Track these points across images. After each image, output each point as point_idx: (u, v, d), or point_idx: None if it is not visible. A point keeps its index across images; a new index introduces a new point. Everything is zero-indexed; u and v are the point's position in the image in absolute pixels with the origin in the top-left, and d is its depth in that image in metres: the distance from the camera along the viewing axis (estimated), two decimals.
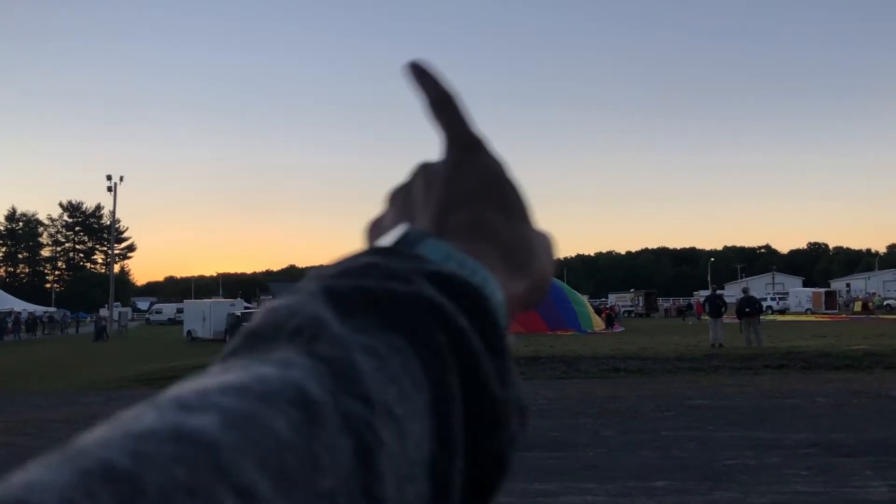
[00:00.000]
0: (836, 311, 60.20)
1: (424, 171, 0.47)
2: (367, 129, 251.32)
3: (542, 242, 0.47)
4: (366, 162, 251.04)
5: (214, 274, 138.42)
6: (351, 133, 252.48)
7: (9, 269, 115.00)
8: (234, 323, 35.80)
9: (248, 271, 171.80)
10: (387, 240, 0.39)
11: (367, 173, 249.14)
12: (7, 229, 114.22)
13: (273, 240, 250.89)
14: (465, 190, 0.45)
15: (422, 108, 0.48)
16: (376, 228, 0.48)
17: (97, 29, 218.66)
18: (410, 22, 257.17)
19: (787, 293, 70.26)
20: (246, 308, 43.94)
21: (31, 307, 63.18)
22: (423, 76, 0.48)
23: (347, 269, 0.35)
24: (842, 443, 8.19)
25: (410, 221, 0.44)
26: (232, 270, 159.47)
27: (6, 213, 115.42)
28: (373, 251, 0.37)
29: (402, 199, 0.48)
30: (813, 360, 16.43)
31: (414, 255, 0.36)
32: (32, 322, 53.03)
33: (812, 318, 51.34)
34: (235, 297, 56.51)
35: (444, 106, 0.47)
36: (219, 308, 39.83)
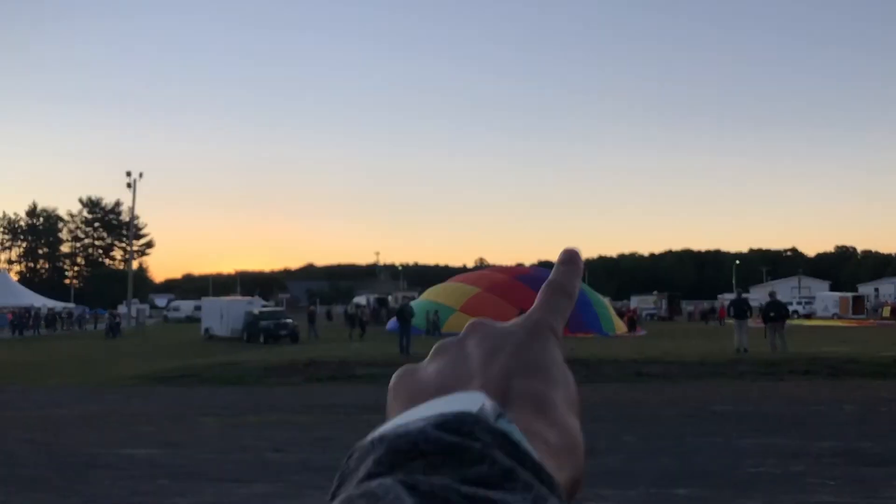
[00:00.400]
0: (864, 316, 59.50)
1: (484, 330, 0.47)
2: (387, 129, 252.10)
3: (582, 442, 0.45)
4: (385, 162, 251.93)
5: (232, 272, 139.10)
6: (371, 132, 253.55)
7: (29, 264, 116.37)
8: (251, 321, 35.91)
9: (266, 269, 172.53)
10: (454, 403, 0.38)
11: (387, 173, 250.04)
12: (28, 225, 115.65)
13: (291, 238, 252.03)
14: (538, 365, 0.45)
15: (549, 279, 0.51)
16: (413, 380, 0.46)
17: (116, 26, 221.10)
18: (421, 20, 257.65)
19: (814, 297, 69.48)
20: (263, 306, 44.06)
21: (51, 303, 63.98)
22: (572, 263, 0.51)
23: (445, 455, 0.34)
24: (869, 452, 8.00)
25: (466, 379, 0.43)
26: (250, 268, 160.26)
27: (27, 208, 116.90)
28: (460, 422, 0.35)
29: (454, 354, 0.47)
30: (840, 367, 16.15)
31: (500, 432, 0.35)
32: (52, 318, 53.62)
33: (839, 323, 50.77)
34: (253, 295, 56.74)
35: (561, 293, 0.49)
36: (236, 306, 39.86)
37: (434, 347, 0.48)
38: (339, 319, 61.59)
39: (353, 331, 35.36)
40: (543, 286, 0.49)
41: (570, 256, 0.51)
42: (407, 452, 0.34)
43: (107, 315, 47.99)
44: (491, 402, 0.38)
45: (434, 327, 33.98)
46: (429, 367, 0.46)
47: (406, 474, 0.32)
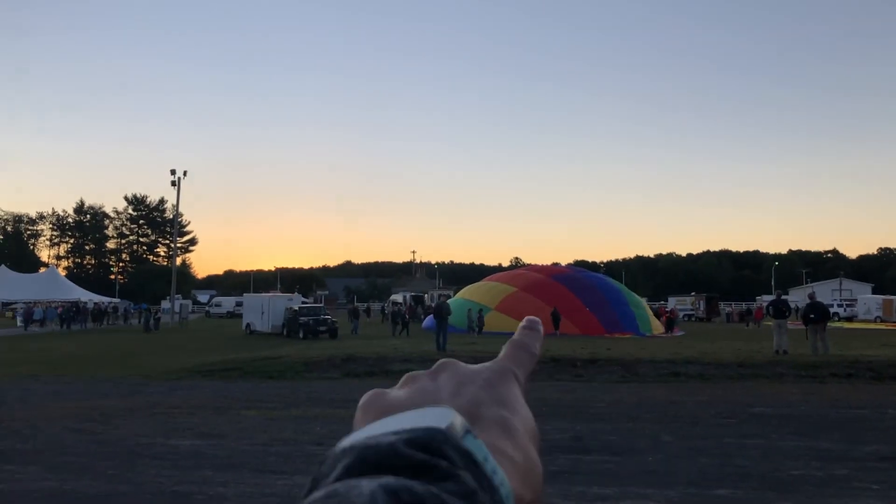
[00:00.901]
0: None
1: (455, 368, 0.52)
2: (423, 129, 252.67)
3: (541, 472, 0.48)
4: (421, 161, 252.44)
5: (273, 268, 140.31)
6: (408, 132, 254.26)
7: (76, 260, 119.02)
8: (291, 317, 36.29)
9: (306, 266, 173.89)
10: (424, 418, 0.40)
11: (423, 173, 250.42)
12: (76, 221, 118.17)
13: (330, 236, 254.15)
14: (503, 399, 0.49)
15: (512, 339, 0.58)
16: (384, 401, 0.49)
17: (159, 27, 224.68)
18: (414, 22, 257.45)
19: (856, 300, 68.01)
20: (303, 302, 44.44)
21: (97, 298, 65.23)
22: (533, 329, 0.59)
23: (414, 465, 0.36)
24: None
25: (436, 403, 0.46)
26: (290, 265, 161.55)
27: (75, 205, 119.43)
28: (430, 439, 0.37)
29: (425, 383, 0.51)
30: (883, 371, 15.87)
31: (465, 452, 0.38)
32: (98, 312, 54.70)
33: (882, 326, 49.74)
34: (293, 292, 57.39)
35: (524, 350, 0.56)
36: (277, 302, 40.36)
37: (404, 377, 0.53)
38: (375, 316, 61.95)
39: (397, 328, 35.46)
40: (507, 343, 0.56)
41: (531, 324, 0.59)
42: (376, 465, 0.35)
43: (144, 310, 48.60)
44: (460, 418, 0.40)
45: (478, 327, 34.05)
46: (399, 392, 0.50)
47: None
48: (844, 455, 7.99)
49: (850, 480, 6.91)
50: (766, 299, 57.71)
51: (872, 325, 50.32)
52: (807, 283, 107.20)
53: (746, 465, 7.57)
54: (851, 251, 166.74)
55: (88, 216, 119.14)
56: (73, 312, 50.02)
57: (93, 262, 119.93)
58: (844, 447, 8.43)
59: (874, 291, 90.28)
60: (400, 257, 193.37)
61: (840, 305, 63.84)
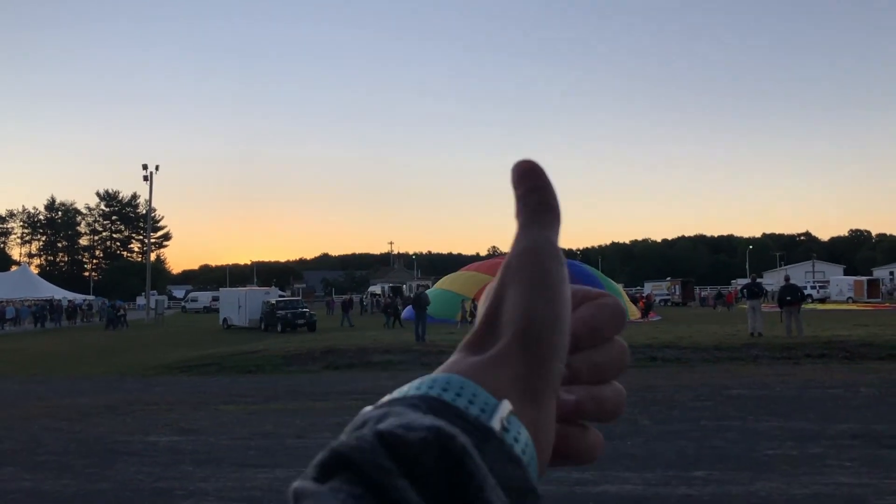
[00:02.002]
0: (879, 299, 58.99)
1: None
2: (400, 120, 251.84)
3: (606, 310, 0.43)
4: (397, 152, 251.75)
5: (248, 262, 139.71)
6: (383, 124, 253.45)
7: (49, 257, 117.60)
8: (269, 311, 36.11)
9: (282, 259, 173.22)
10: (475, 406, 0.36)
11: (399, 164, 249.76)
12: (47, 218, 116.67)
13: (306, 228, 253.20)
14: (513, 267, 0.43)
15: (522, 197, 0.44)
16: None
17: (133, 22, 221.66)
18: (414, 25, 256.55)
19: (828, 281, 68.95)
20: (280, 296, 44.23)
21: (71, 295, 64.44)
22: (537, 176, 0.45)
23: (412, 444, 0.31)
24: (886, 434, 8.02)
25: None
26: (266, 259, 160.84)
27: (46, 202, 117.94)
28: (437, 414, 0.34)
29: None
30: (855, 350, 16.11)
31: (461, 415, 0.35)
32: (72, 310, 54.07)
33: (854, 306, 50.43)
34: (270, 286, 57.10)
35: (544, 210, 0.44)
36: (254, 296, 40.13)
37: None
38: (354, 308, 61.63)
39: (390, 319, 35.05)
40: (519, 225, 0.44)
41: (534, 170, 0.45)
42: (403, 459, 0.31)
43: (108, 307, 47.21)
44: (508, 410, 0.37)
45: (472, 317, 33.50)
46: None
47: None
48: (819, 434, 8.11)
49: (824, 458, 7.03)
50: (741, 283, 58.29)
51: (845, 306, 51.00)
52: (781, 265, 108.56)
53: (724, 446, 7.67)
54: (823, 233, 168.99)
55: (60, 213, 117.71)
56: (46, 311, 49.41)
57: (66, 259, 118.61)
58: (818, 426, 8.56)
59: (846, 273, 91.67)
60: (377, 248, 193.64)
61: (813, 287, 64.66)
